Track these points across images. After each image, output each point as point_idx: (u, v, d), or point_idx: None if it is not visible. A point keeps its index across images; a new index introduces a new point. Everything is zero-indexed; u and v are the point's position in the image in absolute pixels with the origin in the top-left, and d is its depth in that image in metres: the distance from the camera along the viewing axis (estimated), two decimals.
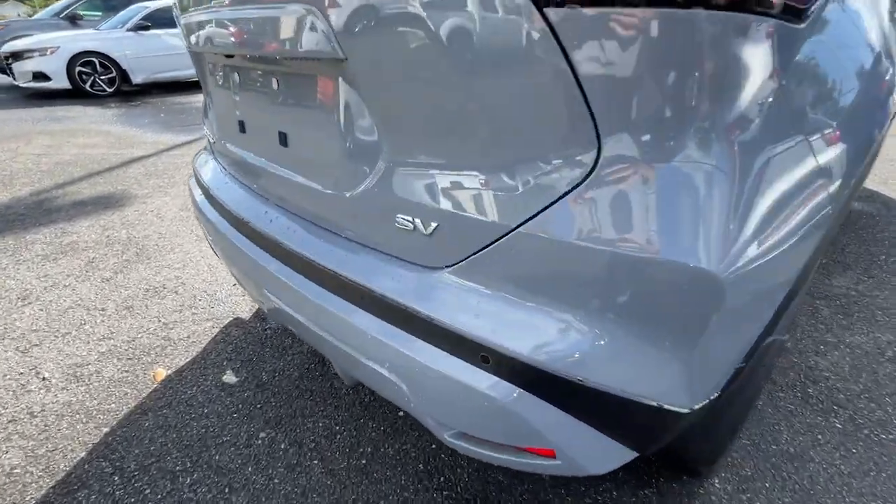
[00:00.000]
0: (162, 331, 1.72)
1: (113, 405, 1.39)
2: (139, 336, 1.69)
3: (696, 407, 0.66)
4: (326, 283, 0.81)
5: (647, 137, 0.52)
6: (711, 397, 0.67)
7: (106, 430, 1.31)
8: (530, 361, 0.60)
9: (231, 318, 1.79)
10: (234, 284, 2.01)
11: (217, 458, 1.22)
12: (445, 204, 0.65)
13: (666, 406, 0.64)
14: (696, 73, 0.50)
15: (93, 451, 1.24)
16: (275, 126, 0.92)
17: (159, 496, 1.13)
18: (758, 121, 0.54)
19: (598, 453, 0.71)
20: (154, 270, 2.12)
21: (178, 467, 1.20)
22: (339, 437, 1.27)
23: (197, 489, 1.14)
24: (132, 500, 1.12)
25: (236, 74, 1.00)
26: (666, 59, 0.49)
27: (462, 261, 0.67)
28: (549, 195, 0.57)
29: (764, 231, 0.57)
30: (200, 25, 0.97)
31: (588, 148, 0.54)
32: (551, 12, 0.49)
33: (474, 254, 0.65)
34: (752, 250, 0.56)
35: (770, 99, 0.54)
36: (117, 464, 1.21)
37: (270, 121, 0.94)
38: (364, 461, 1.20)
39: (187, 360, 1.57)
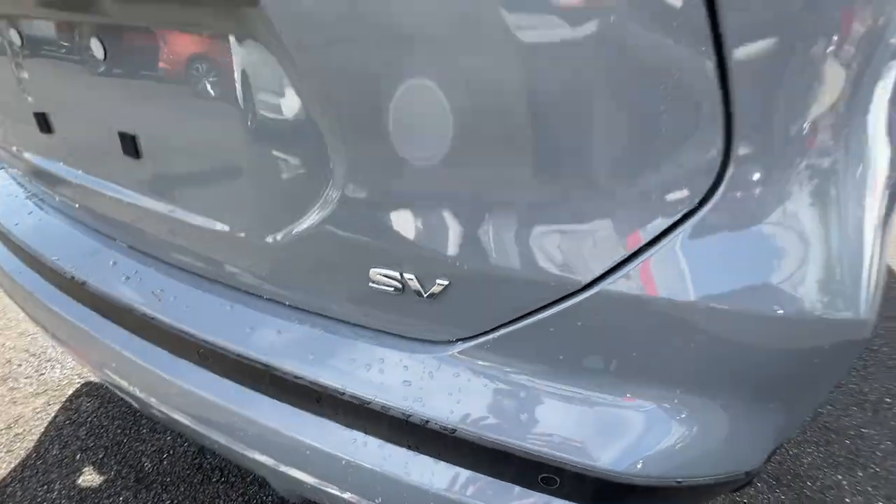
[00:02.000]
0: None
1: None
2: None
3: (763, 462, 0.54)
4: (241, 376, 0.51)
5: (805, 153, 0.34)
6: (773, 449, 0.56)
7: None
8: (627, 476, 0.40)
9: (78, 382, 1.29)
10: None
11: None
12: (464, 251, 0.40)
13: (752, 470, 0.50)
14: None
15: None
16: (111, 122, 0.54)
17: None
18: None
19: None
20: None
21: None
22: None
23: None
24: None
25: (13, 32, 0.57)
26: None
27: (484, 334, 0.43)
28: (647, 233, 0.36)
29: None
30: None
31: (711, 159, 0.34)
32: None
33: (510, 323, 0.41)
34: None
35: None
36: None
37: (100, 112, 0.55)
38: None
39: (16, 462, 1.07)
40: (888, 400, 1.36)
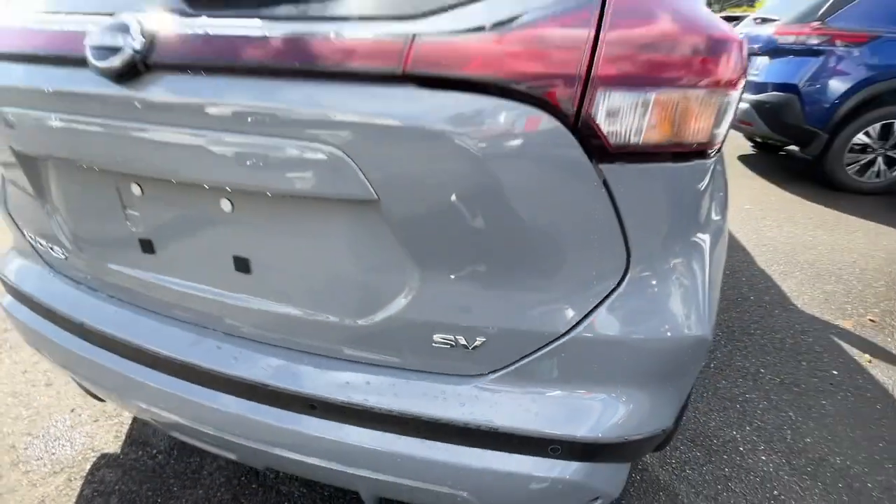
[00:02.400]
0: None
1: None
2: None
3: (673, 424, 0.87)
4: (346, 417, 0.74)
5: (668, 256, 0.67)
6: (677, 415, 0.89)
7: None
8: (602, 440, 0.70)
9: (93, 455, 1.36)
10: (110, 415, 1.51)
11: None
12: (497, 322, 0.68)
13: (665, 429, 0.83)
14: (681, 205, 0.66)
15: None
16: (225, 250, 0.75)
17: None
18: (711, 233, 0.74)
19: (619, 479, 0.86)
20: None
21: None
22: None
23: None
24: None
25: (136, 186, 0.77)
26: (667, 199, 0.64)
27: (507, 367, 0.71)
28: (590, 303, 0.67)
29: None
30: (78, 133, 0.71)
31: (619, 265, 0.66)
32: (603, 166, 0.58)
33: (522, 359, 0.70)
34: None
35: (711, 214, 0.75)
36: None
37: (214, 244, 0.76)
38: None
39: None
40: (762, 370, 1.82)
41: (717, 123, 0.60)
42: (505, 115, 0.55)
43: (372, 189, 0.60)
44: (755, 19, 4.59)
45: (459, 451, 0.72)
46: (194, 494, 1.27)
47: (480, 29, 0.54)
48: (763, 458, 1.44)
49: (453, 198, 0.60)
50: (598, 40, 0.53)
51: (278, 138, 0.60)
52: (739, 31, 5.23)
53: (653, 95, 0.54)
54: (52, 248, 0.96)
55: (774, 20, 4.21)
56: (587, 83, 0.53)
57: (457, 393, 0.72)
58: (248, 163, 0.63)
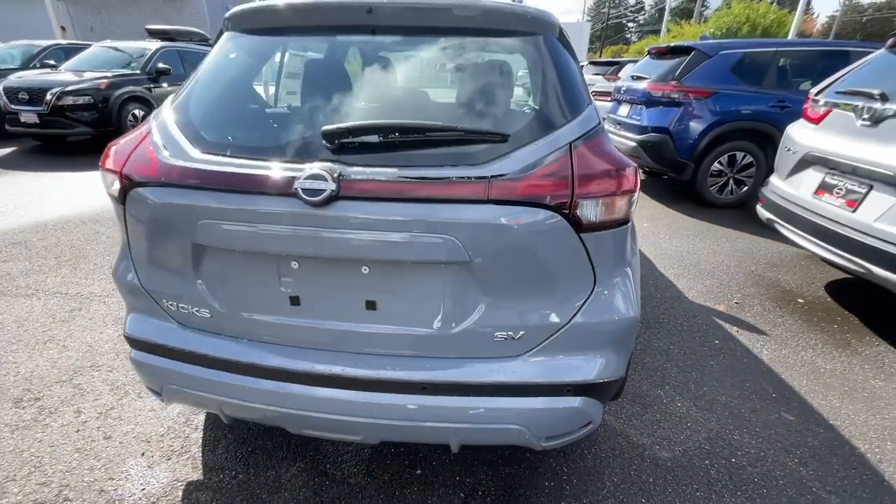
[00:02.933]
0: None
1: None
2: None
3: (625, 373, 1.45)
4: (421, 390, 1.21)
5: (624, 271, 1.25)
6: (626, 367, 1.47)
7: None
8: (591, 381, 1.24)
9: (180, 485, 1.62)
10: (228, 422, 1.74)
11: None
12: (531, 320, 1.20)
13: (621, 376, 1.39)
14: (618, 249, 1.25)
15: None
16: (359, 297, 1.20)
17: None
18: (633, 259, 1.34)
19: (600, 412, 1.39)
20: None
21: None
22: None
23: None
24: None
25: (294, 262, 1.19)
26: (593, 249, 1.21)
27: (537, 347, 1.24)
28: (573, 306, 1.22)
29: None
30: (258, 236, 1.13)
31: (584, 281, 1.21)
32: (582, 231, 1.14)
33: (546, 341, 1.23)
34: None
35: (631, 249, 1.35)
36: None
37: (351, 293, 1.20)
38: None
39: None
40: (671, 347, 2.53)
41: (630, 207, 1.19)
42: (534, 215, 1.09)
43: (468, 255, 1.10)
44: (632, 76, 5.78)
45: (513, 401, 1.22)
46: (282, 497, 1.60)
47: (520, 171, 1.09)
48: (679, 405, 2.10)
49: (509, 256, 1.13)
50: (574, 175, 1.10)
51: (416, 233, 1.09)
52: (622, 80, 6.49)
53: (600, 200, 1.12)
54: (196, 311, 1.31)
55: (645, 78, 5.38)
56: (573, 198, 1.10)
57: (509, 366, 1.23)
58: (392, 247, 1.10)
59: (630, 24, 63.98)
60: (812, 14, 42.44)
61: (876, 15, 37.73)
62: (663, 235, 4.28)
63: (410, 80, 1.84)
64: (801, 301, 3.10)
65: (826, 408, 2.10)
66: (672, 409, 2.07)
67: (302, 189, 1.07)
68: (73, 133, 6.95)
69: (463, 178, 1.09)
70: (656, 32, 41.95)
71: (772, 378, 2.30)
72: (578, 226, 1.12)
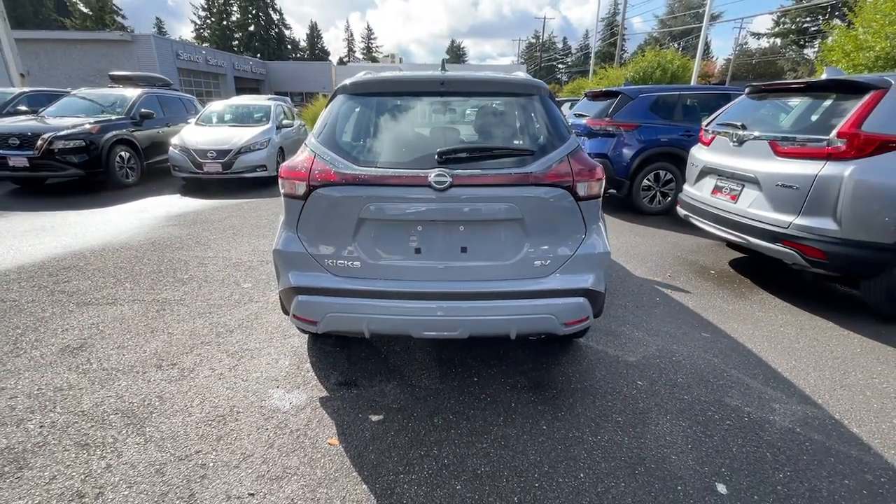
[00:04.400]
0: None
1: None
2: None
3: (604, 290, 2.38)
4: (494, 297, 2.08)
5: (599, 226, 2.20)
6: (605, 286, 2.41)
7: None
8: (593, 288, 2.16)
9: (317, 397, 2.33)
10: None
11: None
12: (555, 253, 2.11)
13: (603, 290, 2.32)
14: (597, 210, 2.21)
15: None
16: (457, 245, 2.05)
17: None
18: (603, 216, 2.31)
19: (591, 312, 2.29)
20: None
21: None
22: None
23: None
24: None
25: (419, 226, 2.03)
26: (584, 211, 2.17)
27: (558, 268, 2.15)
28: (576, 244, 2.15)
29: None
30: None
31: (581, 230, 2.15)
32: (579, 201, 2.09)
33: (563, 265, 2.14)
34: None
35: (601, 210, 2.32)
36: None
37: (452, 243, 2.06)
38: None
39: None
40: (627, 304, 3.53)
41: (600, 188, 2.16)
42: (554, 192, 2.03)
43: (522, 215, 2.02)
44: (575, 114, 7.13)
45: (547, 301, 2.10)
46: (387, 400, 2.35)
47: (545, 169, 2.04)
48: (637, 334, 3.07)
49: (541, 215, 2.05)
50: (572, 171, 2.07)
51: (493, 203, 1.99)
52: (568, 117, 7.89)
53: (587, 183, 2.09)
54: (350, 263, 2.10)
55: (586, 115, 6.72)
56: (574, 181, 2.05)
57: (544, 280, 2.12)
58: (481, 213, 1.99)
59: (560, 66, 70.25)
60: (712, 58, 49.30)
61: (762, 58, 44.48)
62: (611, 236, 5.42)
63: (469, 120, 2.80)
64: (713, 272, 4.26)
65: (728, 329, 3.16)
66: (633, 336, 3.04)
67: (434, 181, 1.95)
68: (63, 175, 7.23)
69: (515, 173, 2.01)
70: (584, 73, 46.69)
71: (695, 316, 3.36)
72: (577, 198, 2.08)
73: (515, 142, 2.30)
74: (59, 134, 7.07)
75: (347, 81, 2.35)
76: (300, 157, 2.17)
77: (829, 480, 1.85)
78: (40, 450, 1.95)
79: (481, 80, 2.30)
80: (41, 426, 2.10)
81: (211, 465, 1.89)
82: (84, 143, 7.24)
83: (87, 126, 7.42)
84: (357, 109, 2.34)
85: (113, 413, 2.19)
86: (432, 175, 1.96)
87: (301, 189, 2.07)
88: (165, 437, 2.04)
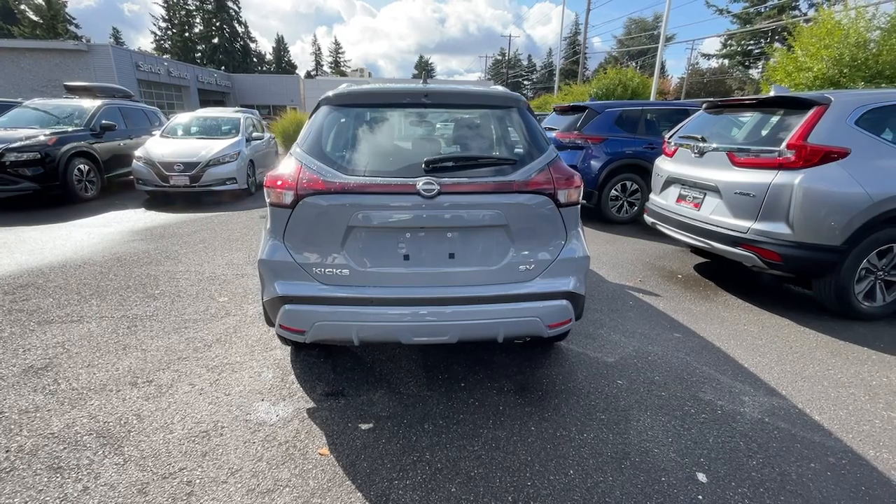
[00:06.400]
0: None
1: None
2: None
3: (584, 293, 2.48)
4: (482, 301, 2.14)
5: (578, 231, 2.30)
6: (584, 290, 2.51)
7: None
8: (574, 290, 2.25)
9: (304, 409, 2.30)
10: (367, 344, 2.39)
11: None
12: (538, 257, 2.19)
13: (583, 294, 2.42)
14: (576, 216, 2.32)
15: None
16: (445, 251, 2.10)
17: None
18: (581, 223, 2.42)
19: (573, 314, 2.38)
20: None
21: None
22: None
23: None
24: None
25: (408, 233, 2.07)
26: (565, 217, 2.28)
27: (542, 273, 2.23)
28: (558, 249, 2.24)
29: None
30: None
31: (562, 236, 2.25)
32: (559, 208, 2.18)
33: (546, 269, 2.23)
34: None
35: (580, 218, 2.43)
36: None
37: (440, 250, 2.10)
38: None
39: None
40: (603, 308, 3.67)
41: (578, 195, 2.28)
42: (537, 198, 2.12)
43: (507, 221, 2.09)
44: (545, 128, 7.38)
45: (532, 304, 2.17)
46: (377, 408, 2.35)
47: (526, 177, 2.13)
48: (613, 336, 3.19)
49: (525, 221, 2.14)
50: (553, 178, 2.17)
51: (479, 210, 2.05)
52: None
53: (566, 190, 2.19)
54: (338, 272, 2.11)
55: (555, 129, 6.97)
56: (554, 189, 2.15)
57: (528, 284, 2.19)
58: (467, 219, 2.05)
59: (526, 83, 72.42)
60: (668, 76, 52.30)
61: (713, 77, 47.50)
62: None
63: (452, 130, 2.86)
64: (680, 276, 4.49)
65: (697, 329, 3.34)
66: (610, 338, 3.16)
67: (422, 189, 2.00)
68: (15, 189, 6.84)
69: (499, 181, 2.09)
70: (549, 89, 48.34)
71: (666, 318, 3.52)
72: (558, 204, 2.17)
73: (497, 152, 2.39)
74: (10, 146, 6.70)
75: (331, 93, 2.38)
76: (287, 167, 2.18)
77: (797, 465, 1.99)
78: (8, 476, 1.84)
79: (463, 92, 2.38)
80: (7, 451, 1.97)
81: (198, 481, 1.83)
82: (39, 156, 6.90)
83: (43, 138, 7.08)
84: (342, 120, 2.37)
85: (87, 434, 2.09)
86: (420, 183, 2.02)
87: (288, 198, 2.08)
88: (146, 456, 1.96)
